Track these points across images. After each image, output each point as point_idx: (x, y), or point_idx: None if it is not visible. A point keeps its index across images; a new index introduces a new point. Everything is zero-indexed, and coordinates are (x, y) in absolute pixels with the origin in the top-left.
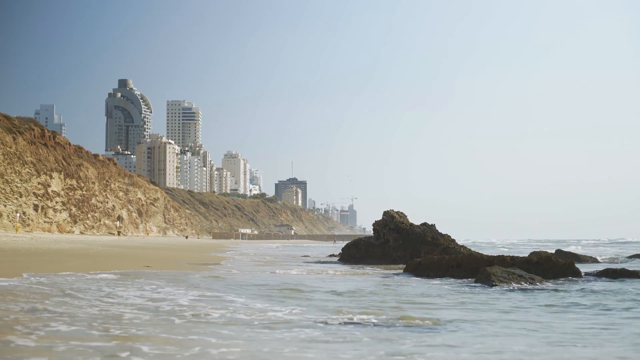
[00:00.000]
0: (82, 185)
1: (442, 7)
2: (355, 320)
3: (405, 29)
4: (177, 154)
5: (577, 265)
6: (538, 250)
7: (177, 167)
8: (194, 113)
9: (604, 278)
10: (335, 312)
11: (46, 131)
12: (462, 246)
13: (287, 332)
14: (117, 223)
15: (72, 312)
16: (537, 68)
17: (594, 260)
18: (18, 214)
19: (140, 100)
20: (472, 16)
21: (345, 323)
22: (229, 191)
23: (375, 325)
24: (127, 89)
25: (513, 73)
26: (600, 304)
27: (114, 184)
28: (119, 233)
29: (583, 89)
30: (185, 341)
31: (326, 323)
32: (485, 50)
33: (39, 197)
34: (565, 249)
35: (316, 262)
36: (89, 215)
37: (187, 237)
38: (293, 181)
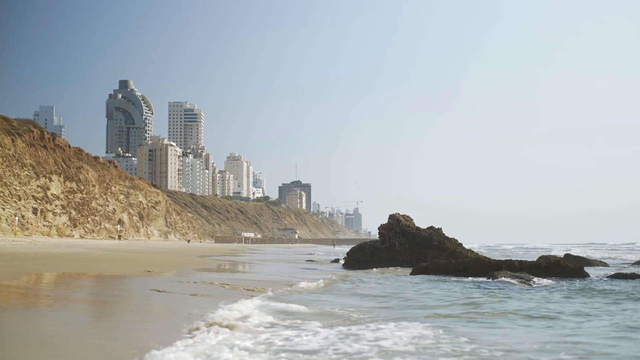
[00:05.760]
0: (82, 188)
1: (448, 8)
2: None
3: (410, 30)
4: (178, 156)
5: (587, 270)
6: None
7: (178, 170)
8: (196, 114)
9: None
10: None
11: (45, 133)
12: (469, 250)
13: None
14: (118, 227)
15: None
16: (544, 68)
17: (603, 265)
18: (17, 218)
19: (142, 102)
20: (478, 17)
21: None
22: (231, 194)
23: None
24: (128, 90)
25: (520, 73)
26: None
27: (115, 187)
28: (119, 237)
29: (593, 89)
30: None
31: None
32: (492, 50)
33: (38, 201)
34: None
35: (319, 268)
36: (89, 219)
37: (189, 241)
38: (297, 184)
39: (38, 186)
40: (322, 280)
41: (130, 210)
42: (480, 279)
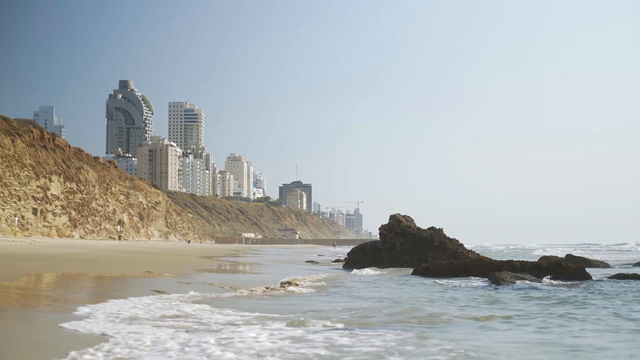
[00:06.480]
0: (82, 188)
1: (448, 9)
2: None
3: (411, 30)
4: (179, 157)
5: (588, 270)
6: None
7: (179, 170)
8: (196, 115)
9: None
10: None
11: (45, 133)
12: (471, 251)
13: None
14: (118, 227)
15: None
16: (546, 68)
17: (605, 265)
18: (17, 218)
19: (142, 102)
20: (479, 17)
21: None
22: (232, 195)
23: None
24: (128, 90)
25: (522, 74)
26: None
27: (115, 188)
28: (119, 237)
29: (594, 90)
30: None
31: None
32: (493, 51)
33: (38, 201)
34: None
35: (319, 269)
36: (89, 220)
37: (189, 241)
38: (298, 184)
39: (38, 186)
40: (315, 281)
41: (131, 210)
42: (480, 280)
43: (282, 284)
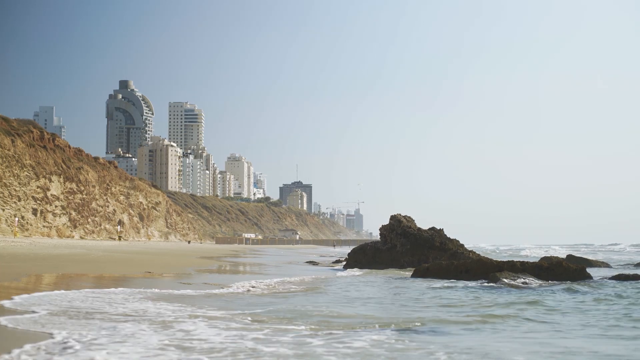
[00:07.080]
0: (82, 189)
1: (449, 8)
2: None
3: (412, 30)
4: (179, 157)
5: (589, 270)
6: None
7: (179, 171)
8: (196, 115)
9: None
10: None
11: (45, 133)
12: (471, 251)
13: None
14: (118, 228)
15: None
16: (546, 69)
17: (606, 266)
18: (17, 219)
19: (142, 102)
20: (480, 17)
21: None
22: (232, 195)
23: None
24: (128, 90)
25: (522, 74)
26: None
27: (115, 188)
28: (120, 238)
29: (594, 90)
30: None
31: None
32: (493, 51)
33: (38, 201)
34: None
35: (320, 270)
36: (89, 220)
37: (189, 242)
38: (298, 185)
39: (38, 187)
40: (302, 283)
41: (131, 211)
42: (480, 280)
43: (272, 284)
